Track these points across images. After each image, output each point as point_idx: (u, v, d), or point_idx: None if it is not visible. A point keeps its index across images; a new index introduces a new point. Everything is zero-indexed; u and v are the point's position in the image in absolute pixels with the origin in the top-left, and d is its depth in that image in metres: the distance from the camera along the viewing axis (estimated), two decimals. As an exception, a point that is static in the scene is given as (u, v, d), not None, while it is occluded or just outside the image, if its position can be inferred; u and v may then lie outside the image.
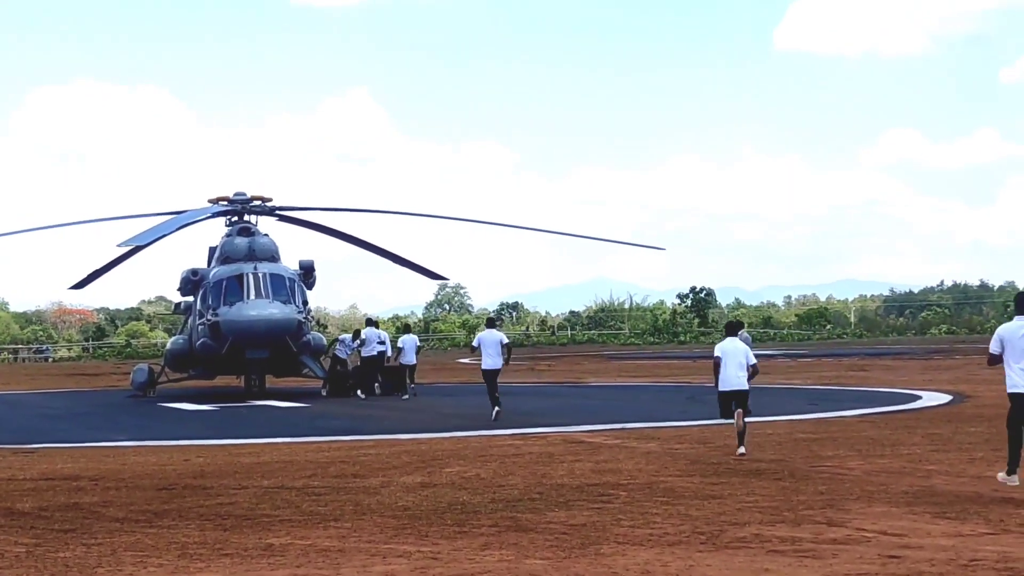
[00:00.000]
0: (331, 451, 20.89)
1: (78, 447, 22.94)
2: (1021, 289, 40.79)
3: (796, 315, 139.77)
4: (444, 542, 11.86)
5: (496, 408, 26.66)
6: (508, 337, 29.82)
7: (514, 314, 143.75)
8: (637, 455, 19.24)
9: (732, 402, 19.65)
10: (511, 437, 22.65)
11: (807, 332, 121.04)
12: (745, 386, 19.99)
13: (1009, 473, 15.09)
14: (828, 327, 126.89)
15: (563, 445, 20.97)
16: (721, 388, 19.94)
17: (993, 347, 15.38)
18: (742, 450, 18.76)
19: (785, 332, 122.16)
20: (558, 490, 15.20)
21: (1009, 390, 15.24)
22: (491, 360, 27.36)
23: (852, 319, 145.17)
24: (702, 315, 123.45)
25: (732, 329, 21.21)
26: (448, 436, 23.37)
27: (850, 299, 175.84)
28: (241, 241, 40.18)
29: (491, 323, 29.83)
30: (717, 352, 20.09)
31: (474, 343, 28.60)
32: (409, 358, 36.90)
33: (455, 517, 13.26)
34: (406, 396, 36.21)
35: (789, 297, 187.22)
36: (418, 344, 39.41)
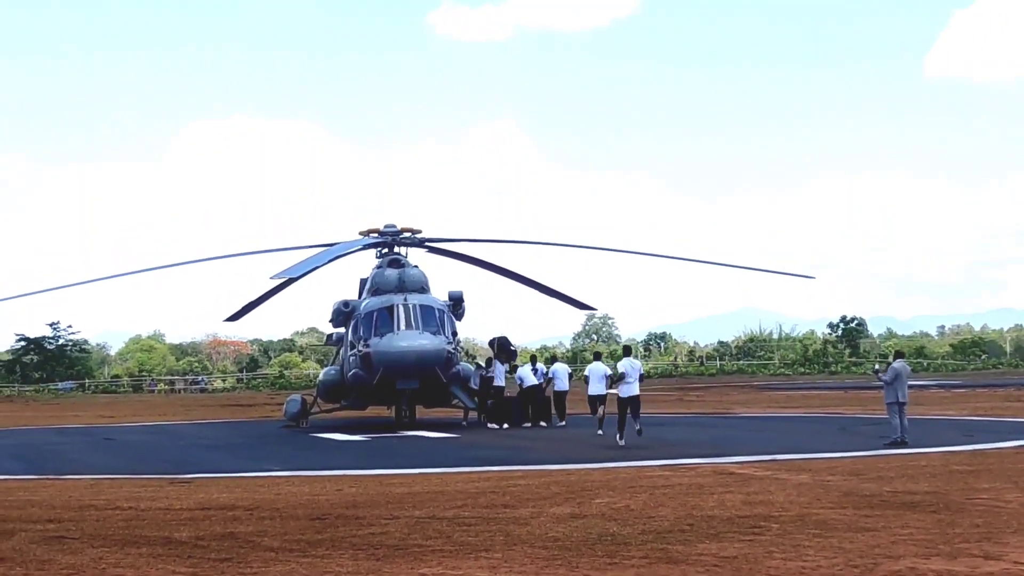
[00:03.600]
0: (481, 481, 20.97)
1: (233, 477, 23.33)
2: None
3: (950, 345, 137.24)
4: (595, 573, 11.87)
5: (601, 431, 31.41)
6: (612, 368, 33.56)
7: (662, 344, 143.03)
8: (788, 487, 19.04)
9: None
10: (661, 468, 22.57)
11: (961, 362, 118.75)
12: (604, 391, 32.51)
13: None
14: (983, 357, 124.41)
15: (713, 476, 20.84)
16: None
17: None
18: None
19: (939, 362, 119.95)
20: (708, 522, 15.12)
21: None
22: (595, 387, 33.39)
23: (1007, 348, 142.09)
24: (853, 345, 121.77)
25: (626, 351, 32.52)
26: (597, 467, 23.34)
27: (1005, 328, 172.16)
28: (391, 273, 40.60)
29: (597, 356, 38.85)
30: (620, 368, 29.09)
31: (585, 373, 34.70)
32: (562, 385, 38.55)
33: (605, 548, 13.25)
34: (562, 423, 37.58)
35: (943, 327, 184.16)
36: (570, 372, 40.86)
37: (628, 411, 28.87)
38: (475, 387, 39.62)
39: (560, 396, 38.31)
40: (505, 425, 37.46)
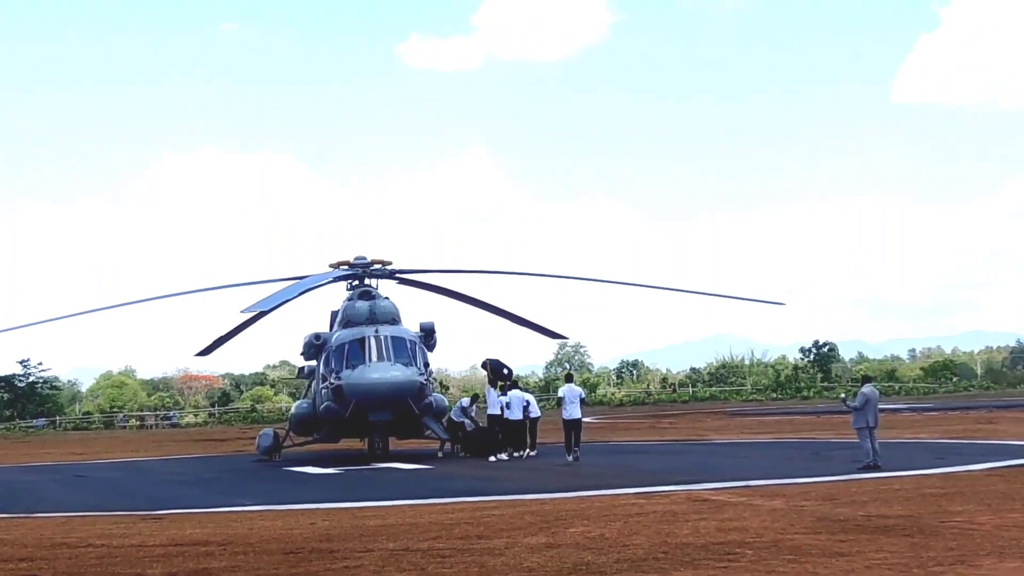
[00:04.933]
0: (455, 512, 20.93)
1: (206, 512, 23.21)
2: None
3: (921, 368, 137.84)
4: (570, 603, 11.84)
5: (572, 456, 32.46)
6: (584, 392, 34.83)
7: (635, 372, 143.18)
8: (762, 512, 19.06)
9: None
10: (635, 496, 22.55)
11: (932, 385, 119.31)
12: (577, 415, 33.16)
13: None
14: (954, 380, 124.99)
15: (687, 503, 20.83)
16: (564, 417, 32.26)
17: None
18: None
19: (911, 385, 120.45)
20: (683, 549, 15.11)
21: None
22: (569, 410, 33.77)
23: (979, 371, 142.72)
24: (825, 370, 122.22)
25: (568, 378, 35.51)
26: (571, 496, 23.32)
27: (976, 351, 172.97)
28: (362, 305, 40.59)
29: (569, 378, 37.92)
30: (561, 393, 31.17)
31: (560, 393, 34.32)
32: (572, 412, 34.66)
33: (580, 578, 13.22)
34: (572, 456, 33.91)
35: (914, 350, 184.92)
36: (582, 395, 36.41)
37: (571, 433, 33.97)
38: (462, 420, 39.71)
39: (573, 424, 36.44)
40: (504, 456, 36.09)
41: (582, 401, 35.09)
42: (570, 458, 32.93)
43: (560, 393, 34.30)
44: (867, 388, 28.43)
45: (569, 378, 37.32)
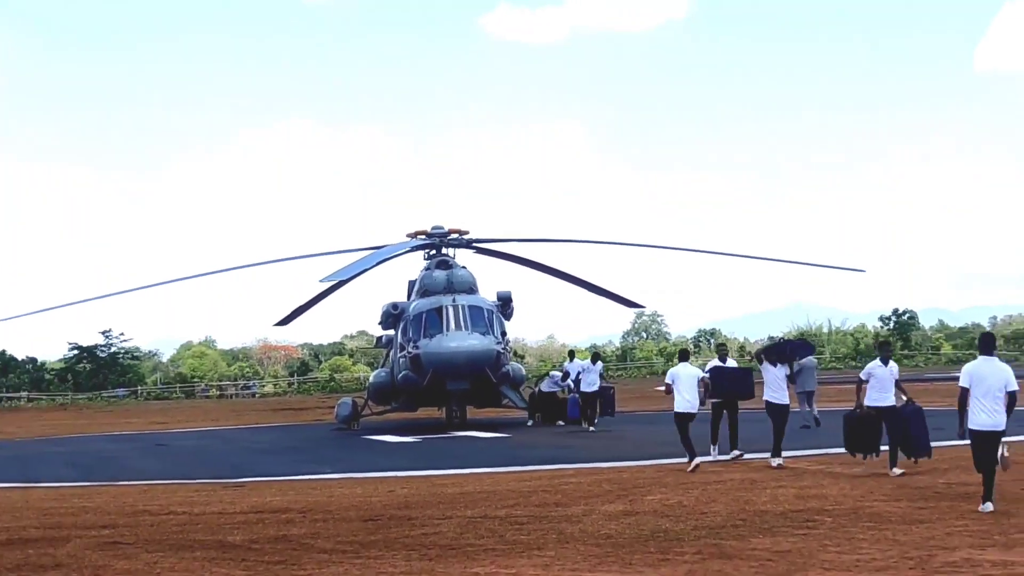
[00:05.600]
0: (533, 480, 20.98)
1: (286, 480, 23.43)
2: None
3: (1003, 336, 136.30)
4: (648, 570, 11.84)
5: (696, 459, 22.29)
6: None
7: (711, 341, 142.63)
8: (841, 480, 18.97)
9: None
10: (712, 464, 22.50)
11: (1015, 353, 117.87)
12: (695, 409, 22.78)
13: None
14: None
15: (766, 471, 20.78)
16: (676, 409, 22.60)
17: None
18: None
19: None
20: (762, 516, 15.06)
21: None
22: (686, 402, 22.95)
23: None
24: (905, 338, 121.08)
25: (684, 355, 23.67)
26: (649, 464, 23.31)
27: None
28: (440, 274, 40.70)
29: (684, 356, 24.14)
30: (669, 378, 22.98)
31: (668, 379, 23.47)
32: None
33: (658, 545, 13.22)
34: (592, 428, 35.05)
35: (995, 317, 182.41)
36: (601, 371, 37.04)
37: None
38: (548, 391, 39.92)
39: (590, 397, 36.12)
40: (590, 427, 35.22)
41: (601, 376, 36.51)
42: (592, 428, 34.99)
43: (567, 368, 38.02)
44: (806, 360, 31.59)
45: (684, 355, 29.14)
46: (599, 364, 36.97)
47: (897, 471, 19.46)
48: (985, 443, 15.07)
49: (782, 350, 23.29)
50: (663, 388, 24.48)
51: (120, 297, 45.16)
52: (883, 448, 20.14)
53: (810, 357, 32.61)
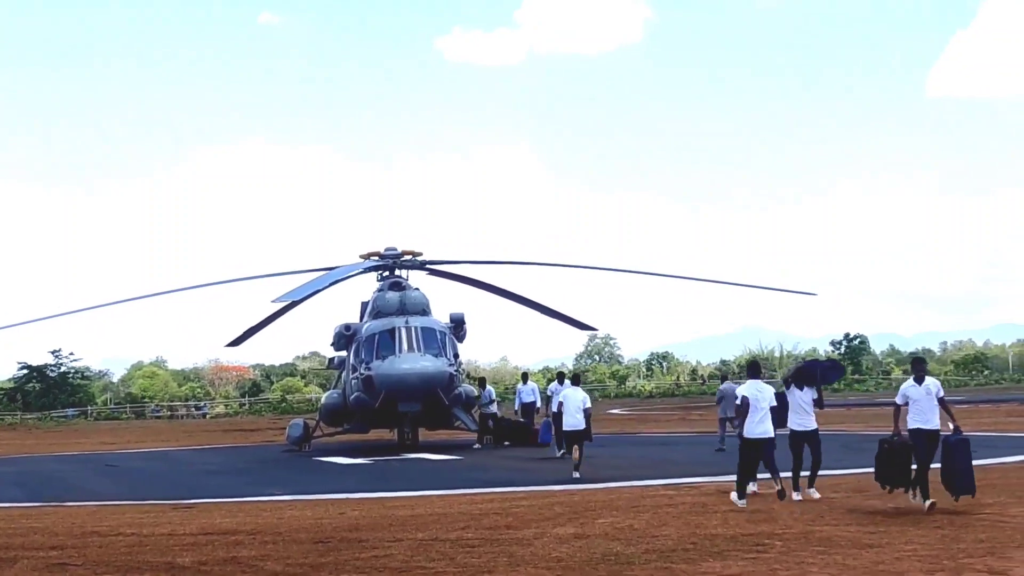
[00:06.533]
0: (484, 503, 20.95)
1: (236, 502, 23.30)
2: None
3: (952, 361, 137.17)
4: (598, 593, 11.83)
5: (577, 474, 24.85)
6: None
7: (664, 364, 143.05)
8: (792, 504, 19.02)
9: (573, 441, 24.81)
10: (664, 487, 22.54)
11: (964, 378, 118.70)
12: (581, 426, 25.30)
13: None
14: (986, 373, 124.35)
15: (717, 495, 20.79)
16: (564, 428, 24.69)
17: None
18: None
19: (942, 378, 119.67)
20: (712, 540, 15.09)
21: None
22: (572, 419, 26.34)
23: (1010, 364, 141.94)
24: (856, 362, 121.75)
25: (574, 380, 26.34)
26: (600, 487, 23.32)
27: (1008, 343, 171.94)
28: (392, 296, 40.66)
29: (569, 379, 28.02)
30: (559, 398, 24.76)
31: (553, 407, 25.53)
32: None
33: (609, 568, 13.23)
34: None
35: (945, 343, 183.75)
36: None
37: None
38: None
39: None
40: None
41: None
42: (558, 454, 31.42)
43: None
44: (724, 385, 34.35)
45: (572, 379, 29.89)
46: (583, 397, 27.99)
47: (926, 503, 17.69)
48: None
49: (812, 373, 20.95)
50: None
51: (70, 316, 44.84)
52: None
53: (729, 383, 34.20)
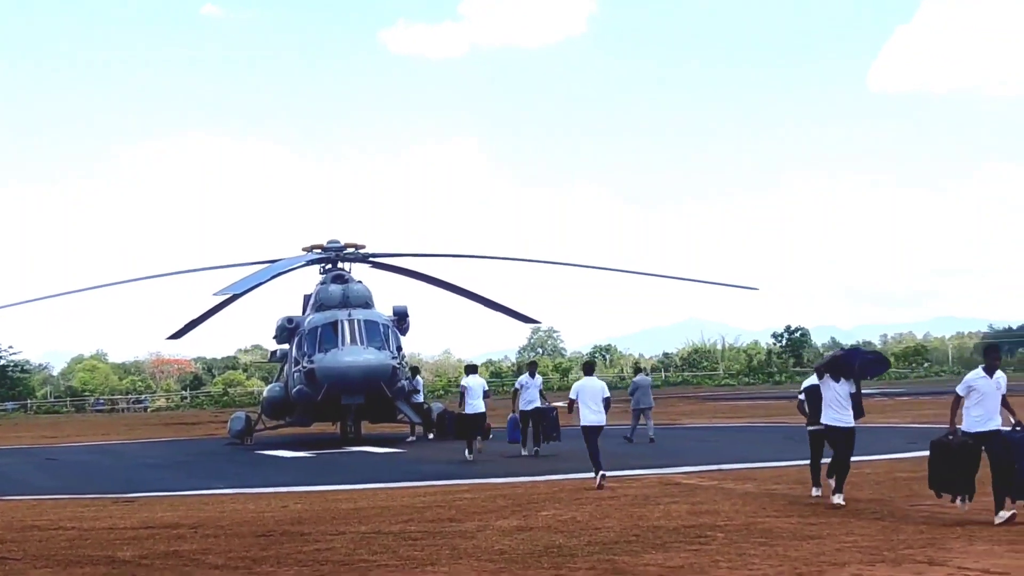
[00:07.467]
0: (427, 496, 20.94)
1: (177, 495, 23.20)
2: None
3: (892, 353, 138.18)
4: (541, 585, 11.84)
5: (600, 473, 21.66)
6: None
7: (607, 357, 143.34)
8: (734, 496, 19.11)
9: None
10: (607, 480, 22.57)
11: (904, 371, 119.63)
12: (603, 421, 22.17)
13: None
14: (926, 365, 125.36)
15: (659, 487, 20.88)
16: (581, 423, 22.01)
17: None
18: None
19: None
20: (655, 532, 15.14)
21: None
22: (593, 414, 22.47)
23: (950, 356, 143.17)
24: (797, 355, 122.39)
25: (589, 369, 23.27)
26: (543, 479, 23.35)
27: (947, 336, 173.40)
28: (335, 288, 40.54)
29: (589, 369, 23.72)
30: (572, 394, 22.41)
31: (572, 395, 22.81)
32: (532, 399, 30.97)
33: (552, 560, 13.24)
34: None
35: (885, 335, 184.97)
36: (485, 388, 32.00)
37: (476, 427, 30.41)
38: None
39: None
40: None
41: (485, 394, 30.95)
42: (471, 454, 29.56)
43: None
44: (638, 377, 37.13)
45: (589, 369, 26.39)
46: (538, 378, 31.58)
47: (1004, 514, 15.14)
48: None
49: (850, 364, 18.11)
50: (565, 404, 23.45)
51: (10, 310, 44.47)
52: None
53: (643, 375, 36.76)
